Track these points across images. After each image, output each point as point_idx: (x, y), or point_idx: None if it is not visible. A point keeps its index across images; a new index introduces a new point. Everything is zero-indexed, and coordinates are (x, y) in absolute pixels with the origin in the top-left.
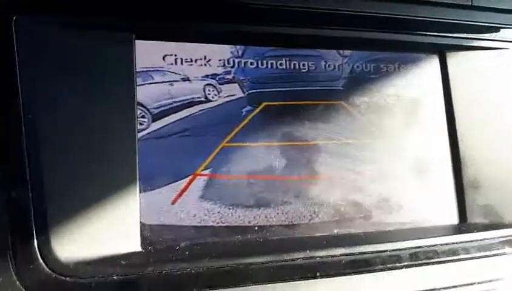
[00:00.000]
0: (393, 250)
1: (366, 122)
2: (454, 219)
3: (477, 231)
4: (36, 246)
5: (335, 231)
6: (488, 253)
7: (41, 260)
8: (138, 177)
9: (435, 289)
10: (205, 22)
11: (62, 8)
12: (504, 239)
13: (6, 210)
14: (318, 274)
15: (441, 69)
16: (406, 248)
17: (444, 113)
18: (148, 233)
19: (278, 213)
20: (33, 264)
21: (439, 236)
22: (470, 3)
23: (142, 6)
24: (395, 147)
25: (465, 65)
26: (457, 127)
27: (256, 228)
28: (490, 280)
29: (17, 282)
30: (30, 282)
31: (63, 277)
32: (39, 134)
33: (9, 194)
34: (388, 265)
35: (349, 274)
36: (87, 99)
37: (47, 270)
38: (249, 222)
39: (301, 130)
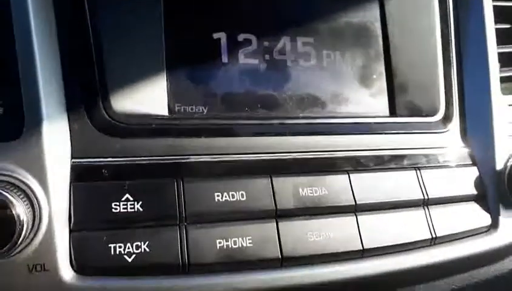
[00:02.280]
0: (339, 123)
1: (325, 41)
2: (386, 112)
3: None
4: (101, 103)
5: (300, 114)
6: (408, 131)
7: (104, 112)
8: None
9: (366, 149)
10: None
11: None
12: (420, 122)
13: (81, 82)
14: (287, 133)
15: (379, 3)
16: (348, 123)
17: (381, 35)
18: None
19: (261, 100)
20: (99, 114)
21: (372, 117)
22: None
23: None
24: (345, 58)
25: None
26: (391, 46)
27: (246, 109)
28: (407, 148)
29: (90, 124)
30: (97, 124)
31: (117, 123)
32: (101, 38)
33: (82, 71)
34: (336, 131)
35: (308, 135)
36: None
37: (107, 117)
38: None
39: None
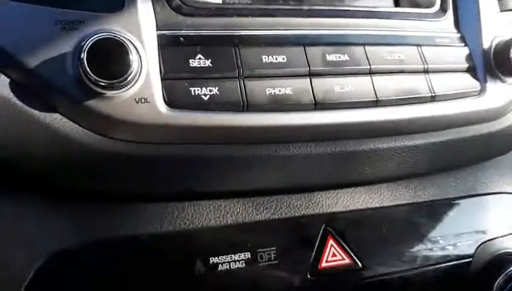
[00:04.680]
0: (354, 10)
1: None
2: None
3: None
4: None
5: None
6: (409, 18)
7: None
8: None
9: (377, 30)
10: None
11: None
12: (420, 12)
13: None
14: (314, 16)
15: None
16: (361, 10)
17: None
18: None
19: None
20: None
21: (379, 12)
22: None
23: None
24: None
25: None
26: None
27: (281, 2)
28: (410, 30)
29: (167, 6)
30: (172, 6)
31: (187, 6)
32: None
33: None
34: (352, 16)
35: (331, 17)
36: None
37: (179, 1)
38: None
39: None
